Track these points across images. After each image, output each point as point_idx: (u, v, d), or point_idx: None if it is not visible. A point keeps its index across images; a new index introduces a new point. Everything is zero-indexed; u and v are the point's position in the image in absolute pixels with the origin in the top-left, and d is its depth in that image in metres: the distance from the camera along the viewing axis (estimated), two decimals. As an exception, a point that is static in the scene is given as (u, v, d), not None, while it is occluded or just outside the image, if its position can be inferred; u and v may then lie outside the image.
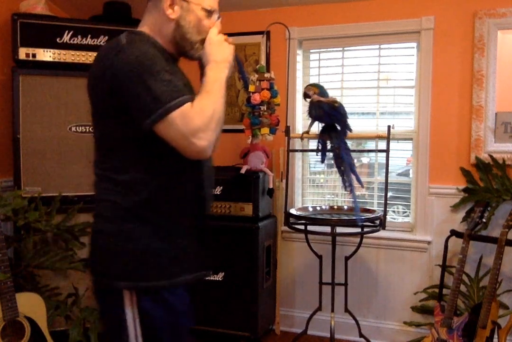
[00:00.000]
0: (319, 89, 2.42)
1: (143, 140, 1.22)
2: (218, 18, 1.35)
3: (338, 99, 2.48)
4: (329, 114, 2.34)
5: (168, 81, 1.17)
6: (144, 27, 1.31)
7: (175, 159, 1.24)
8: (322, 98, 2.37)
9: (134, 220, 1.25)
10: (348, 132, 2.38)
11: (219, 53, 1.29)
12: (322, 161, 2.48)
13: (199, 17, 1.31)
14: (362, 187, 2.51)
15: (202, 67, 1.32)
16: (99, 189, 1.31)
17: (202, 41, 1.32)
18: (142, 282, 1.24)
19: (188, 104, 1.17)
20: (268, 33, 2.98)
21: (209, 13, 1.32)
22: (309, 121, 2.47)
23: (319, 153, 2.46)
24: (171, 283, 1.27)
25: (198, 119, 1.16)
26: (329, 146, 2.41)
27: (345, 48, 2.97)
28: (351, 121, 2.43)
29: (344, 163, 2.31)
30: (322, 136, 2.43)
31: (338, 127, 2.39)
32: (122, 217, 1.26)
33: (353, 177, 2.31)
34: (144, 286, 1.24)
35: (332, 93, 2.49)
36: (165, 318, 1.26)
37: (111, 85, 1.19)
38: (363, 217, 2.37)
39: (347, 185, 2.30)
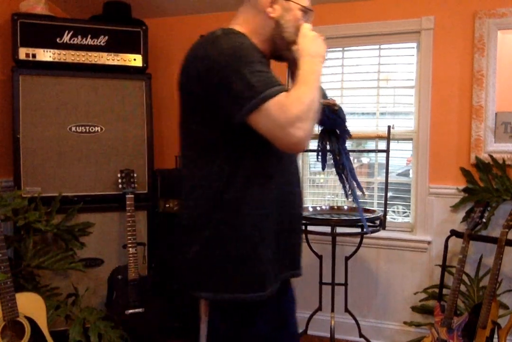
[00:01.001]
0: None
1: (229, 137, 1.17)
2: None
3: (338, 99, 2.46)
4: (329, 118, 2.31)
5: (264, 72, 1.12)
6: (237, 26, 1.26)
7: (259, 161, 1.19)
8: (321, 100, 2.34)
9: (212, 225, 1.18)
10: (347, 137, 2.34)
11: (314, 47, 1.24)
12: (323, 168, 2.41)
13: (297, 16, 1.29)
14: (363, 193, 2.45)
15: (290, 67, 1.30)
16: (185, 194, 1.24)
17: (296, 41, 1.27)
18: (210, 292, 1.16)
19: (284, 94, 1.10)
20: (268, 33, 2.97)
21: (306, 13, 1.30)
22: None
23: (320, 159, 2.41)
24: (240, 298, 1.16)
25: (296, 107, 1.08)
26: (328, 148, 2.38)
27: (345, 48, 2.97)
28: (351, 122, 2.40)
29: (345, 170, 2.29)
30: (322, 139, 2.40)
31: (338, 132, 2.37)
32: (202, 223, 1.19)
33: (355, 183, 2.29)
34: (211, 298, 1.17)
35: (332, 93, 2.48)
36: (229, 339, 1.17)
37: (205, 74, 1.13)
38: (366, 217, 2.35)
39: (350, 193, 2.27)
